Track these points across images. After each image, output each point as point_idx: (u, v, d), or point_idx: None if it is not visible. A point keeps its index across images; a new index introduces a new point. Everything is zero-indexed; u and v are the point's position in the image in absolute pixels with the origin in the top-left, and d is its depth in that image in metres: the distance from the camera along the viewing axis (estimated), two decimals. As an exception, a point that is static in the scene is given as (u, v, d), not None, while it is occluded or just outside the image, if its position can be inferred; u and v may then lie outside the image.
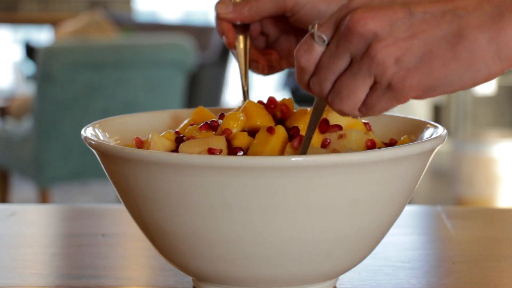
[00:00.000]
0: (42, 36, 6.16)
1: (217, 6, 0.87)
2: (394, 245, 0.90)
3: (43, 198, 3.34)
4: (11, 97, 4.35)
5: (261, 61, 0.89)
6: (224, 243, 0.68)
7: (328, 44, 0.65)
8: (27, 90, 4.96)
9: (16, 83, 6.04)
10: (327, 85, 0.65)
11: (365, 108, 0.65)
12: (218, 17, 0.87)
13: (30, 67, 5.02)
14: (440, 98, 4.59)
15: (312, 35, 0.65)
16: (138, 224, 0.74)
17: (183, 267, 0.73)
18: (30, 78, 4.78)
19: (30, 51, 4.01)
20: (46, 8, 6.47)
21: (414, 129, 0.79)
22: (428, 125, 0.78)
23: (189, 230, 0.68)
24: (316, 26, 0.65)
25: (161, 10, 6.83)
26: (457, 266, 0.84)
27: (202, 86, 4.01)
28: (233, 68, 4.19)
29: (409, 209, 1.04)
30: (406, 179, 0.70)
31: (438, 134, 0.74)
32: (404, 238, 0.94)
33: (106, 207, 1.16)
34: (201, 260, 0.70)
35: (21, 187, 4.24)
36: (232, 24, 0.87)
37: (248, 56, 0.87)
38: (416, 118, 0.81)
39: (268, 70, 0.89)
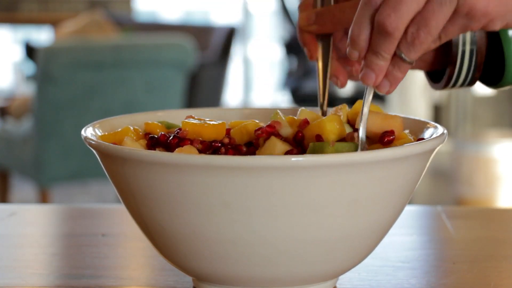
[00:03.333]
0: (42, 36, 6.16)
1: (299, 17, 0.83)
2: (394, 245, 0.90)
3: (43, 198, 3.34)
4: (11, 97, 4.35)
5: (341, 76, 0.85)
6: (224, 243, 0.68)
7: None
8: (27, 90, 4.97)
9: (16, 83, 6.04)
10: (408, 16, 0.66)
11: (444, 35, 0.67)
12: (300, 29, 0.83)
13: (30, 67, 5.02)
14: (440, 98, 4.59)
15: None
16: (138, 224, 0.74)
17: (183, 267, 0.73)
18: (30, 78, 4.78)
19: (30, 51, 4.01)
20: (46, 8, 6.47)
21: (414, 129, 0.79)
22: (428, 125, 0.78)
23: (189, 230, 0.68)
24: None
25: (161, 10, 6.83)
26: (457, 266, 0.84)
27: (202, 86, 4.01)
28: (233, 68, 4.18)
29: (409, 209, 1.04)
30: (406, 179, 0.70)
31: (438, 134, 0.74)
32: (404, 238, 0.94)
33: (106, 207, 1.16)
34: (201, 260, 0.70)
35: (21, 187, 4.24)
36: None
37: (329, 68, 0.83)
38: (416, 118, 0.81)
39: (347, 81, 0.86)
